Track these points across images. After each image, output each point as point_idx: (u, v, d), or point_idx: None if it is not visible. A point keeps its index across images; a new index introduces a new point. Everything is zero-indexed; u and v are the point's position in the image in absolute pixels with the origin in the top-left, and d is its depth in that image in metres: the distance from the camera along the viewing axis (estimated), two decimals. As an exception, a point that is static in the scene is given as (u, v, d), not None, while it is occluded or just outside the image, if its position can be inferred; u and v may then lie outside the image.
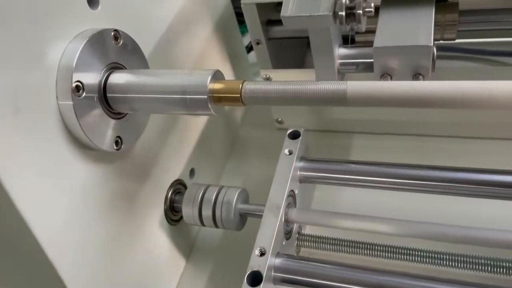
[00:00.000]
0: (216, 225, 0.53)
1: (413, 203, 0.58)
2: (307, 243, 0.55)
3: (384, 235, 0.50)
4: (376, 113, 0.67)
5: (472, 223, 0.51)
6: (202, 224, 0.54)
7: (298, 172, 0.55)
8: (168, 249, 0.56)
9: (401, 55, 0.44)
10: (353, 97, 0.35)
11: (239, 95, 0.38)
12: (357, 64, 0.50)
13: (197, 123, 0.62)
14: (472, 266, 0.47)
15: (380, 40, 0.44)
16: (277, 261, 0.47)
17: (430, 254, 0.49)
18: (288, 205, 0.52)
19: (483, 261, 0.47)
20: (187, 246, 0.60)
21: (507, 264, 0.46)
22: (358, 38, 0.52)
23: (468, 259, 0.48)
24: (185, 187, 0.58)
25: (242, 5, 0.58)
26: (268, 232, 0.47)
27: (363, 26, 0.46)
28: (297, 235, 0.55)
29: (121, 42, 0.43)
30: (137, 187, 0.50)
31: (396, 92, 0.34)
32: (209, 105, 0.38)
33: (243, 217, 0.54)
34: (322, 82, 0.36)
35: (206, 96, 0.38)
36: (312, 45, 0.48)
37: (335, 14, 0.43)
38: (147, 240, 0.52)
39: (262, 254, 0.46)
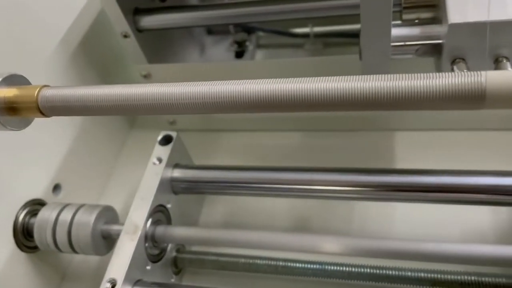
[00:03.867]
0: (74, 251, 0.46)
1: (313, 209, 0.53)
2: (187, 263, 0.49)
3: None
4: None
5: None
6: (59, 250, 0.46)
7: (172, 183, 0.48)
8: (27, 283, 0.48)
9: (485, 33, 0.34)
10: (498, 95, 0.24)
11: (35, 105, 0.30)
12: (418, 46, 0.39)
13: (64, 127, 0.54)
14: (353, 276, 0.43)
15: (456, 14, 0.34)
16: (135, 291, 0.41)
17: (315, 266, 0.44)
18: (156, 222, 0.45)
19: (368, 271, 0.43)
20: (56, 277, 0.52)
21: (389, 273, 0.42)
22: (406, 16, 0.41)
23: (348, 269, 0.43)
24: (45, 207, 0.50)
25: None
26: (120, 259, 0.40)
27: None
28: (174, 254, 0.48)
29: None
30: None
31: None
32: (-1, 118, 0.30)
33: (108, 239, 0.47)
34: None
35: (-9, 107, 0.30)
36: (363, 22, 0.37)
37: None
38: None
39: (113, 286, 0.39)
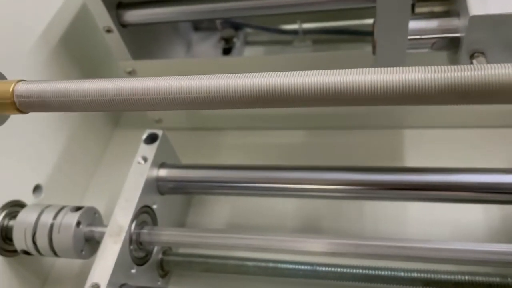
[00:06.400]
0: (56, 255, 0.44)
1: (303, 209, 0.52)
2: (173, 265, 0.47)
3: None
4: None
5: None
6: (40, 254, 0.44)
7: (158, 183, 0.47)
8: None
9: (508, 26, 0.33)
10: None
11: (10, 101, 0.28)
12: (434, 40, 0.38)
13: (45, 126, 0.52)
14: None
15: (477, 6, 0.33)
16: (120, 296, 0.39)
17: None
18: (141, 224, 0.44)
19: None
20: (37, 282, 0.50)
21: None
22: (419, 9, 0.40)
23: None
24: (25, 209, 0.48)
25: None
26: (104, 263, 0.39)
27: None
28: (160, 257, 0.47)
29: None
30: None
31: None
32: (-28, 115, 0.28)
33: (91, 242, 0.45)
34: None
35: (-37, 104, 0.28)
36: (379, 14, 0.36)
37: None
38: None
39: (96, 291, 0.37)
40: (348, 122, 0.58)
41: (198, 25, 0.71)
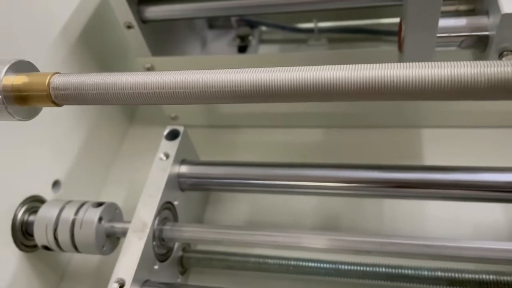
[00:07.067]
0: (77, 250, 0.44)
1: (321, 207, 0.52)
2: (193, 262, 0.47)
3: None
4: (288, 106, 0.59)
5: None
6: (61, 249, 0.44)
7: (179, 179, 0.46)
8: (25, 284, 0.46)
9: None
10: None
11: (46, 93, 0.28)
12: (462, 38, 0.38)
13: (63, 122, 0.52)
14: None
15: (510, 4, 0.33)
16: (144, 292, 0.39)
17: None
18: (163, 220, 0.44)
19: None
20: (55, 277, 0.50)
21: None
22: (444, 7, 0.39)
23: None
24: (44, 204, 0.48)
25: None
26: (128, 258, 0.39)
27: None
28: (181, 254, 0.47)
29: None
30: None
31: None
32: (7, 108, 0.28)
33: (112, 238, 0.45)
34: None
35: (-1, 96, 0.28)
36: (409, 10, 0.35)
37: None
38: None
39: (121, 287, 0.37)
40: (365, 121, 0.58)
41: (213, 23, 0.71)
